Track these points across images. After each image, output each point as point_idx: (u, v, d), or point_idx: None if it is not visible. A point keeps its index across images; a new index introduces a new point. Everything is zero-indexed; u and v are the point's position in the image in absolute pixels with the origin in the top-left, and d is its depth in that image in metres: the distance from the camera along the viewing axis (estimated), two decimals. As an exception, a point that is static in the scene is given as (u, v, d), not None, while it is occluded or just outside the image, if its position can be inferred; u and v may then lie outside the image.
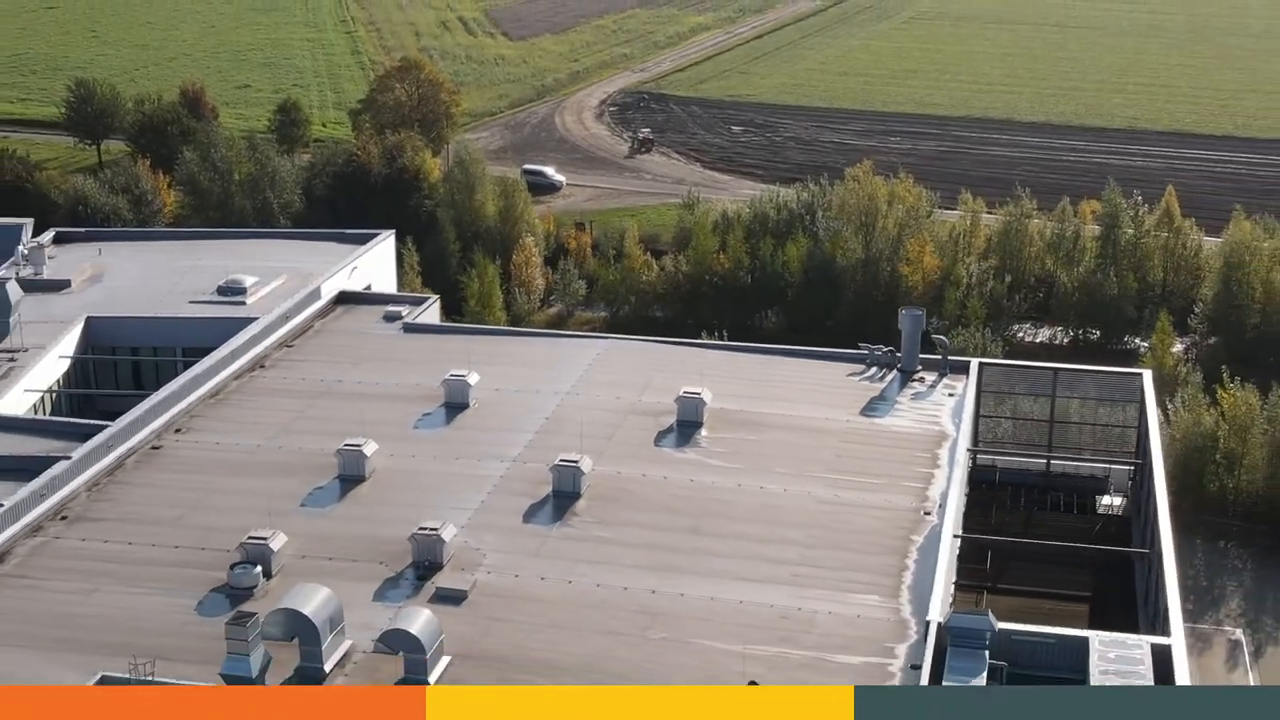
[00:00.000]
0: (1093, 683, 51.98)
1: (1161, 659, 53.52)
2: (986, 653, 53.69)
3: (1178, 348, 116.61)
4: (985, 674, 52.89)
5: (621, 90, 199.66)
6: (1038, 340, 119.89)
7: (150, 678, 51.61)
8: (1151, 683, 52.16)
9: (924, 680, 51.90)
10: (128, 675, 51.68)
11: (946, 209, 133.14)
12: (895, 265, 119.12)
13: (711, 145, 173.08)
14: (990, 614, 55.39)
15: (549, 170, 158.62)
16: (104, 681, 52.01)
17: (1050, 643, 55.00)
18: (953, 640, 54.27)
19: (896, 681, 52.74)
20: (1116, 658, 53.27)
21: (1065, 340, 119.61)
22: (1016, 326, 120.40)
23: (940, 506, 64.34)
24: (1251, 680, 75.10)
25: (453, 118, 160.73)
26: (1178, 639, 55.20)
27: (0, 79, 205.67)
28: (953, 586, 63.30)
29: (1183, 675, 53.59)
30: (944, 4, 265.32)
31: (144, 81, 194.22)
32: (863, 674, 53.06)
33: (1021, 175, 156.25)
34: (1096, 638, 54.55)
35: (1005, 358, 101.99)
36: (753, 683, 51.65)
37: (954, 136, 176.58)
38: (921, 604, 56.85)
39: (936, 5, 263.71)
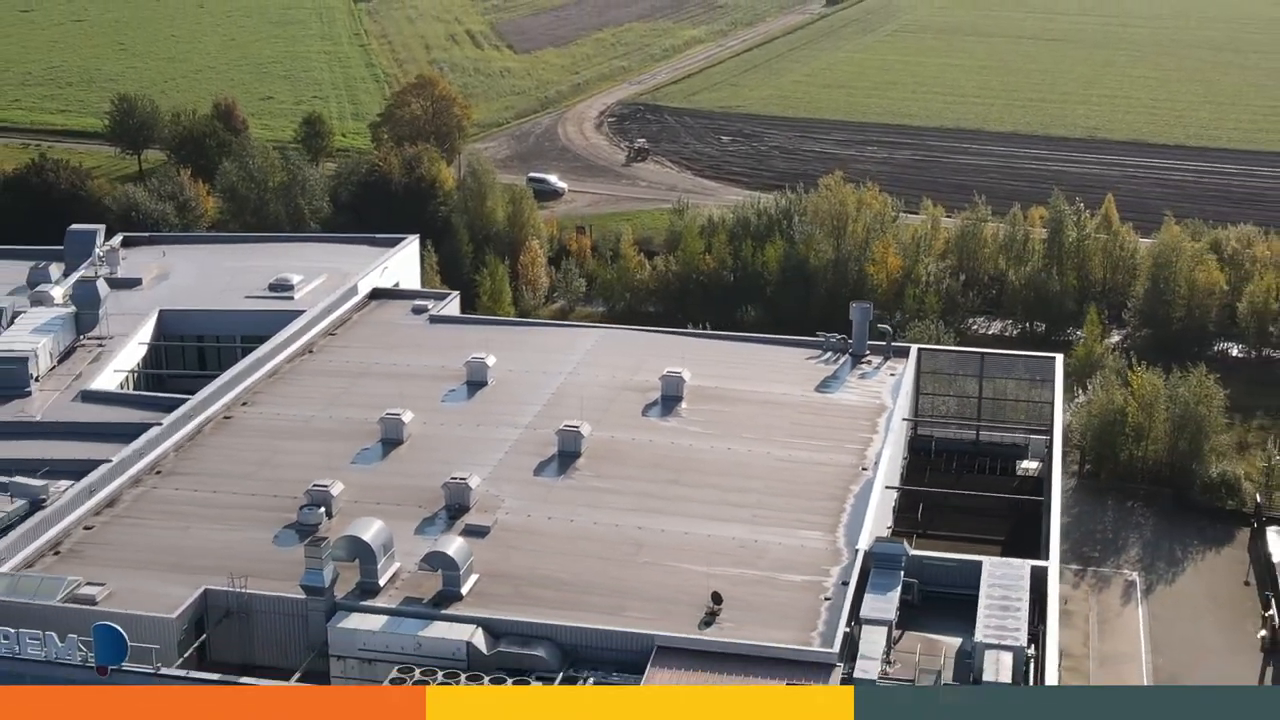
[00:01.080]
0: (981, 595, 66.07)
1: (1038, 577, 67.72)
2: (902, 572, 68.08)
3: (1115, 338, 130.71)
4: (900, 589, 67.18)
5: (619, 102, 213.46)
6: (990, 332, 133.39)
7: (245, 589, 65.78)
8: (1026, 594, 66.06)
9: (849, 592, 66.11)
10: (227, 588, 65.84)
11: (912, 214, 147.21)
12: (862, 265, 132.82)
13: (702, 154, 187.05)
14: (905, 543, 69.87)
15: (552, 178, 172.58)
16: (207, 594, 66.20)
17: (951, 565, 69.36)
18: (875, 563, 68.70)
19: (829, 593, 66.85)
20: (1002, 575, 67.48)
21: (1014, 332, 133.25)
22: (971, 320, 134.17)
23: (875, 464, 78.52)
24: (1140, 612, 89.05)
25: (464, 130, 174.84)
26: (1053, 563, 69.54)
27: (39, 91, 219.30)
28: (889, 530, 77.60)
29: (1053, 590, 67.74)
30: (927, 17, 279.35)
31: (173, 93, 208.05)
32: (803, 589, 67.15)
33: (986, 182, 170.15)
34: (988, 561, 68.86)
35: (956, 345, 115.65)
36: (715, 593, 65.82)
37: (927, 146, 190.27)
38: (854, 537, 71.00)
39: (919, 18, 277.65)
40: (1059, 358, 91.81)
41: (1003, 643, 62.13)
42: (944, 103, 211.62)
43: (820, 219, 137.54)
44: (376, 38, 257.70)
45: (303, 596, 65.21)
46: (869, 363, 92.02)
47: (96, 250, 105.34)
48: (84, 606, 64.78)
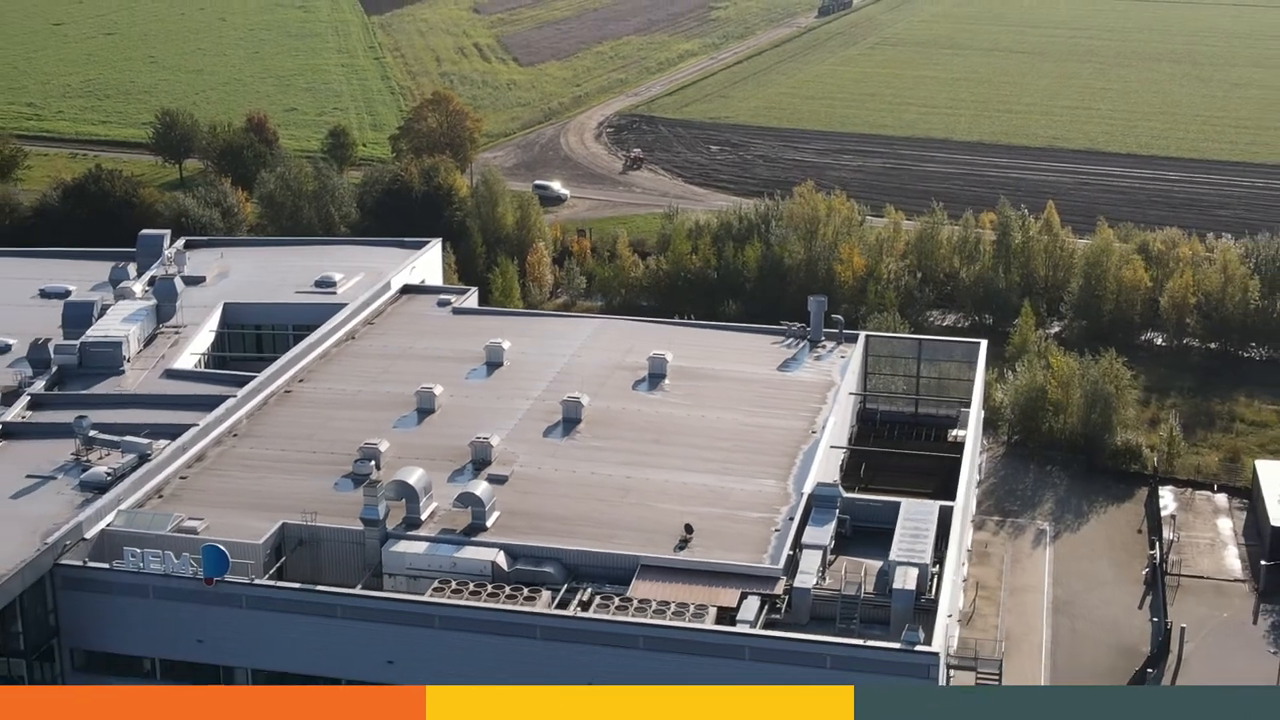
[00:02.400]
0: (898, 527, 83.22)
1: (945, 513, 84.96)
2: (836, 510, 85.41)
3: (1055, 329, 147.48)
4: (834, 523, 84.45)
5: (617, 113, 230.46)
6: (944, 324, 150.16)
7: (314, 522, 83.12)
8: (934, 527, 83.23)
9: (794, 525, 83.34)
10: (300, 522, 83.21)
11: (877, 218, 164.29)
12: (830, 264, 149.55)
13: (692, 163, 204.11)
14: (839, 487, 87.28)
15: (555, 185, 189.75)
16: (284, 527, 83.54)
17: (876, 504, 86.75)
18: (816, 504, 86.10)
19: (778, 526, 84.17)
20: (915, 513, 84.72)
21: (965, 324, 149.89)
22: (928, 313, 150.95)
23: (822, 428, 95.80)
24: (1047, 554, 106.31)
25: (475, 141, 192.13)
26: (958, 505, 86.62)
27: (80, 103, 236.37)
28: (835, 481, 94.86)
29: (956, 524, 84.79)
30: (907, 31, 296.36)
31: (204, 105, 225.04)
32: (758, 523, 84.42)
33: (950, 188, 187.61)
34: (905, 502, 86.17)
35: (911, 334, 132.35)
36: (687, 525, 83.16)
37: (898, 155, 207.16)
38: (800, 484, 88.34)
39: (900, 32, 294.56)
40: (983, 343, 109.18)
41: (910, 560, 79.45)
42: (917, 113, 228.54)
43: (794, 223, 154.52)
44: (390, 51, 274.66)
45: (361, 527, 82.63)
46: (824, 347, 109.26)
47: (166, 251, 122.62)
48: (189, 535, 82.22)
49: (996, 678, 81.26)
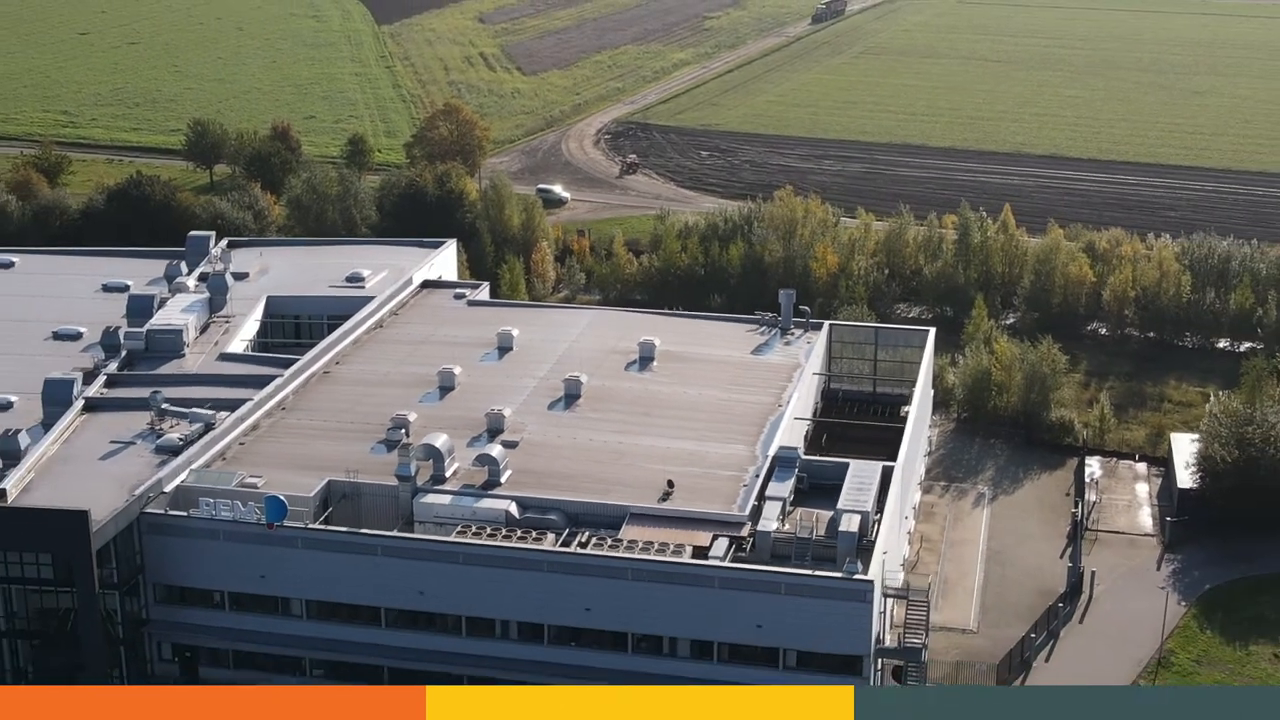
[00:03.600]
0: (845, 482, 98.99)
1: (886, 472, 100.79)
2: (796, 469, 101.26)
3: (1010, 320, 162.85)
4: (794, 479, 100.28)
5: (615, 120, 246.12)
6: (909, 316, 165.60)
7: (355, 479, 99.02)
8: (876, 482, 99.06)
9: (759, 482, 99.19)
10: (343, 479, 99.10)
11: (850, 219, 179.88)
12: (806, 262, 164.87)
13: (684, 168, 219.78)
14: (799, 450, 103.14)
15: (557, 188, 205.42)
16: (330, 483, 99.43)
17: (828, 464, 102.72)
18: (778, 464, 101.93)
19: (746, 482, 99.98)
20: (860, 471, 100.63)
21: (929, 316, 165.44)
22: (896, 306, 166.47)
23: (787, 402, 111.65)
24: (985, 512, 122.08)
25: (483, 148, 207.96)
26: (898, 463, 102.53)
27: (111, 110, 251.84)
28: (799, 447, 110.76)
29: (895, 492, 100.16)
30: (889, 39, 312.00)
31: (227, 113, 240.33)
32: (729, 480, 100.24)
33: (923, 191, 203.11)
34: (854, 462, 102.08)
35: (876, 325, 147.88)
36: (669, 480, 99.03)
37: (875, 160, 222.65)
38: (766, 448, 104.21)
39: (883, 41, 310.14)
40: (931, 331, 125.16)
41: (854, 509, 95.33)
42: (895, 120, 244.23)
43: (774, 224, 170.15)
44: (400, 60, 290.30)
45: (396, 483, 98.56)
46: (793, 334, 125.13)
47: (212, 251, 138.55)
48: (251, 490, 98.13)
49: (924, 606, 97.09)
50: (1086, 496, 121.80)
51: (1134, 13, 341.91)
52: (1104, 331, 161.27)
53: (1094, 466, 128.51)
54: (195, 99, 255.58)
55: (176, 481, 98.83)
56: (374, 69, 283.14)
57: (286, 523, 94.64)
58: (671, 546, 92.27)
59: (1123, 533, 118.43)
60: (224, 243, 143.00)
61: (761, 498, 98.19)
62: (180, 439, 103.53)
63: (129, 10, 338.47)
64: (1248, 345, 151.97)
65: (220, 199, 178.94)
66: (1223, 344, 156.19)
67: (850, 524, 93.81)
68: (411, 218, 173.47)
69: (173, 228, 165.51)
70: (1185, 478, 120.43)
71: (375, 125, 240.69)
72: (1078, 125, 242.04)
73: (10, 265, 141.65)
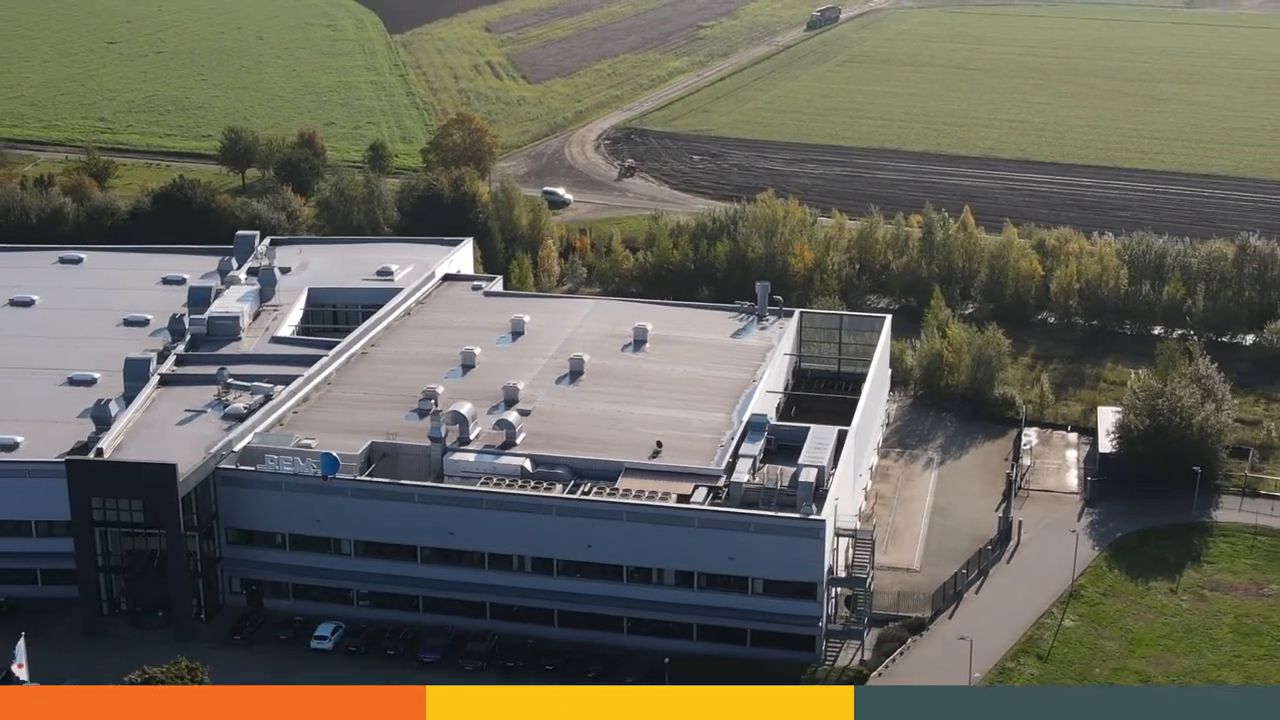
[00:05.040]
0: (806, 443, 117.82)
1: (841, 435, 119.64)
2: (765, 432, 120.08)
3: (968, 309, 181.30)
4: (763, 441, 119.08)
5: (614, 126, 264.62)
6: (879, 306, 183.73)
7: (393, 441, 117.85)
8: (832, 443, 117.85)
9: (734, 443, 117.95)
10: (384, 441, 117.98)
11: (827, 219, 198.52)
12: (786, 258, 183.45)
13: (677, 171, 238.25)
14: (768, 417, 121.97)
15: (561, 191, 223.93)
16: (373, 446, 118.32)
17: (793, 428, 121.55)
18: (750, 428, 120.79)
19: (724, 443, 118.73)
20: (819, 434, 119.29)
21: (896, 307, 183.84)
22: (866, 297, 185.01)
23: (760, 378, 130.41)
24: (932, 474, 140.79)
25: (493, 154, 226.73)
26: (852, 428, 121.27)
27: (145, 117, 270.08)
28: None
29: (848, 451, 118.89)
30: (873, 48, 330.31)
31: (253, 119, 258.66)
32: (709, 440, 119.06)
33: (897, 193, 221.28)
34: (814, 427, 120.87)
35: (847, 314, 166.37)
36: (658, 441, 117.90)
37: (854, 164, 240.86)
38: (741, 415, 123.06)
39: (866, 50, 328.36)
40: (888, 318, 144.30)
41: (812, 464, 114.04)
42: (874, 126, 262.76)
43: (756, 224, 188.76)
44: (412, 68, 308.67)
45: (428, 444, 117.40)
46: (768, 321, 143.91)
47: (258, 248, 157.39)
48: (305, 449, 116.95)
49: (870, 544, 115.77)
50: (1021, 461, 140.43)
51: (1106, 21, 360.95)
52: (1051, 320, 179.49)
53: (1031, 436, 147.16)
54: (223, 106, 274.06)
55: (244, 443, 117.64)
56: (388, 77, 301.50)
57: (338, 476, 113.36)
58: (660, 494, 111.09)
59: (1051, 491, 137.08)
60: (267, 241, 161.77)
61: (736, 456, 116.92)
62: (244, 408, 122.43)
63: (153, 20, 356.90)
64: (1180, 332, 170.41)
65: (256, 201, 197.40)
66: (1157, 330, 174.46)
67: (809, 476, 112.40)
68: (429, 218, 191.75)
69: (213, 227, 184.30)
70: (1106, 444, 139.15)
71: (392, 131, 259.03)
72: (1044, 130, 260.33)
73: (79, 261, 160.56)
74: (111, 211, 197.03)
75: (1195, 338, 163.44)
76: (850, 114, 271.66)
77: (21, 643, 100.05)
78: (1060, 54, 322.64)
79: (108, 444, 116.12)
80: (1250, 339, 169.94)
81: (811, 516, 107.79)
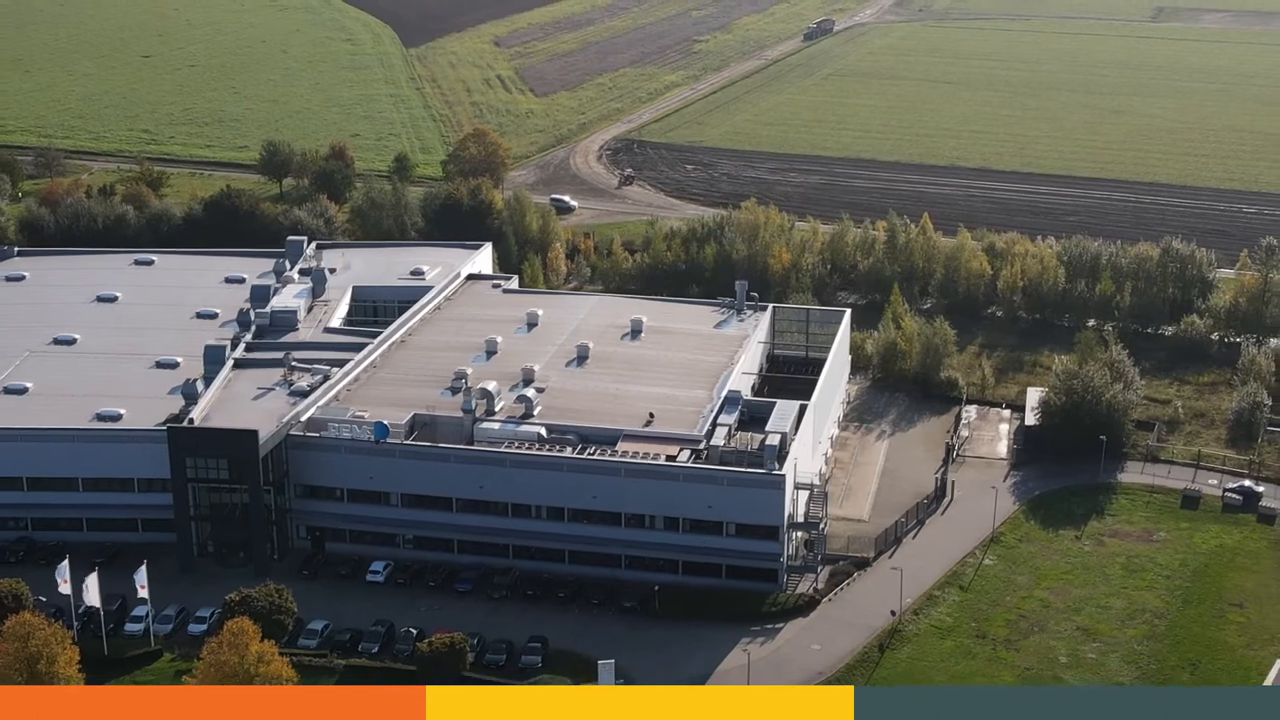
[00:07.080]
0: (772, 415, 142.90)
1: (802, 408, 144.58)
2: (739, 405, 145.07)
3: (926, 305, 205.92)
4: (737, 413, 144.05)
5: (614, 138, 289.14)
6: (848, 302, 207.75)
7: (432, 413, 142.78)
8: (794, 415, 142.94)
9: (713, 414, 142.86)
10: (424, 413, 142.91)
11: (803, 224, 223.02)
12: (766, 259, 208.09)
13: (672, 179, 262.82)
14: (743, 392, 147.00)
15: (567, 198, 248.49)
16: (415, 417, 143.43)
17: (763, 403, 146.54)
18: (727, 403, 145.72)
19: (705, 414, 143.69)
20: (783, 408, 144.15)
21: (863, 302, 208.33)
22: (837, 294, 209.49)
23: (737, 361, 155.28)
24: (884, 444, 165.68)
25: (505, 165, 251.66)
26: (811, 402, 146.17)
27: (185, 129, 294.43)
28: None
29: (808, 421, 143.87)
30: (856, 62, 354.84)
31: (284, 131, 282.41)
32: (693, 412, 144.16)
33: (870, 200, 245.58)
34: (779, 401, 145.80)
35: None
36: (650, 413, 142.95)
37: (833, 173, 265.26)
38: (720, 392, 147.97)
39: (850, 64, 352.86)
40: (847, 311, 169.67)
41: (776, 430, 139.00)
42: (853, 137, 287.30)
43: (740, 229, 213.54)
44: (428, 82, 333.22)
45: (461, 415, 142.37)
46: (746, 314, 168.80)
47: (306, 251, 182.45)
48: (359, 420, 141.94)
49: (824, 495, 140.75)
50: (960, 432, 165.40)
51: (1076, 35, 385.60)
52: (999, 313, 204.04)
53: (971, 412, 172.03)
54: (255, 119, 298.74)
55: (309, 414, 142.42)
56: (405, 90, 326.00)
57: (387, 440, 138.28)
58: (651, 455, 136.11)
59: (984, 458, 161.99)
60: (314, 245, 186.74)
61: (714, 424, 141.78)
62: (307, 386, 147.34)
63: (183, 34, 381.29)
64: (1105, 324, 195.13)
65: (297, 208, 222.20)
66: (1091, 323, 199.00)
67: (773, 440, 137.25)
68: (450, 223, 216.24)
69: (258, 231, 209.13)
70: (1030, 418, 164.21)
71: (412, 142, 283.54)
72: (1006, 141, 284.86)
73: (151, 263, 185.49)
74: (168, 218, 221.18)
75: (1113, 328, 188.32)
76: (832, 125, 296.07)
77: (143, 569, 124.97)
78: (1030, 68, 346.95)
79: (197, 415, 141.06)
80: (1170, 330, 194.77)
81: (775, 472, 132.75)
